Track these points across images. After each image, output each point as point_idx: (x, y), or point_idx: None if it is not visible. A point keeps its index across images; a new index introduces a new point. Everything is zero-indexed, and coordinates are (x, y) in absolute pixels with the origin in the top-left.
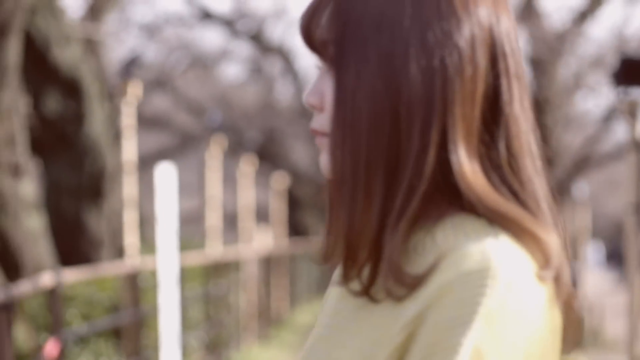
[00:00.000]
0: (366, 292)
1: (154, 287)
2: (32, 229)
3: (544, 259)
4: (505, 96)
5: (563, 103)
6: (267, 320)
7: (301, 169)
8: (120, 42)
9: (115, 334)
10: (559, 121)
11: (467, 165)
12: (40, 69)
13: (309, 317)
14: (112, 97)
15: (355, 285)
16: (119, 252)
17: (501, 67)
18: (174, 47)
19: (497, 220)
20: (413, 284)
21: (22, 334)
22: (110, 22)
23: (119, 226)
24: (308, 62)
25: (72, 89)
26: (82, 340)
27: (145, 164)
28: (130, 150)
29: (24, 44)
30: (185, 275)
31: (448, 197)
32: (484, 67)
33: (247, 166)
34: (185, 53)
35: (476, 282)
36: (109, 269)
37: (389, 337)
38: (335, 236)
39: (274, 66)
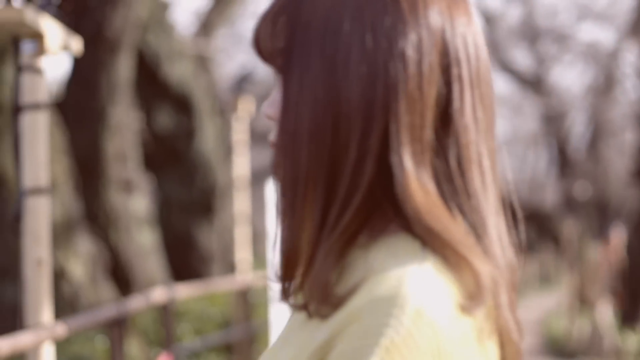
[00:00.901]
0: (305, 307)
1: (265, 303)
2: (144, 244)
3: (475, 289)
4: (455, 104)
5: None
6: None
7: None
8: (230, 58)
9: (227, 349)
10: None
11: (412, 176)
12: (151, 85)
13: None
14: (224, 112)
15: (299, 298)
16: (231, 268)
17: (454, 73)
18: None
19: (431, 242)
20: (336, 304)
21: (134, 349)
22: (220, 37)
23: (230, 242)
24: None
25: (183, 105)
26: (194, 355)
27: (257, 179)
28: (242, 165)
29: (136, 60)
30: None
31: (392, 213)
32: (434, 73)
33: None
34: None
35: (383, 310)
36: (220, 284)
37: (302, 358)
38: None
39: None
